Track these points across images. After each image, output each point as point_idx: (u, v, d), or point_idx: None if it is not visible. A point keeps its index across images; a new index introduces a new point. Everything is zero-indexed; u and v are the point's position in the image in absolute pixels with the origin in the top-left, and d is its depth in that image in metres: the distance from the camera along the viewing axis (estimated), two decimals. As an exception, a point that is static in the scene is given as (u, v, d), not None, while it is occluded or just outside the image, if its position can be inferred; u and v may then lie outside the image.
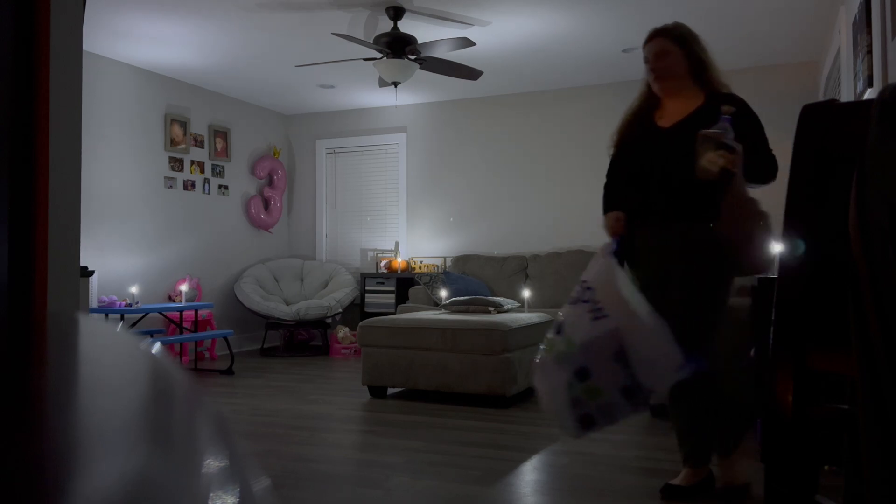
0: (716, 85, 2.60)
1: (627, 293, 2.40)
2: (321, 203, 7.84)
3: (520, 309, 5.33)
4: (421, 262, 7.22)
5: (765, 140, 2.53)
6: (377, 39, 4.80)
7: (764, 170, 2.49)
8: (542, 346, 2.42)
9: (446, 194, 7.27)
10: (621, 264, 2.55)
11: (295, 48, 5.54)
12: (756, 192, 2.49)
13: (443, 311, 5.20)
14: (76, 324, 0.59)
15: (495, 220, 7.06)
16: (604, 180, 2.85)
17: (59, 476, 0.21)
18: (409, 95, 6.98)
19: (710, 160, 2.33)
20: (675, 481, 2.62)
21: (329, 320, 6.95)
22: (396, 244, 7.34)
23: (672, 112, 2.62)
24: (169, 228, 6.40)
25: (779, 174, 2.41)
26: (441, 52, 4.88)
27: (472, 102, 7.16)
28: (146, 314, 5.57)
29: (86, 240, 4.54)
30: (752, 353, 3.17)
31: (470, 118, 7.18)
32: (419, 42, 4.83)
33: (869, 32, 3.23)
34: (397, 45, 4.79)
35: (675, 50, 2.61)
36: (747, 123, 2.47)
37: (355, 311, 7.07)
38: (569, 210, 6.66)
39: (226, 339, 5.96)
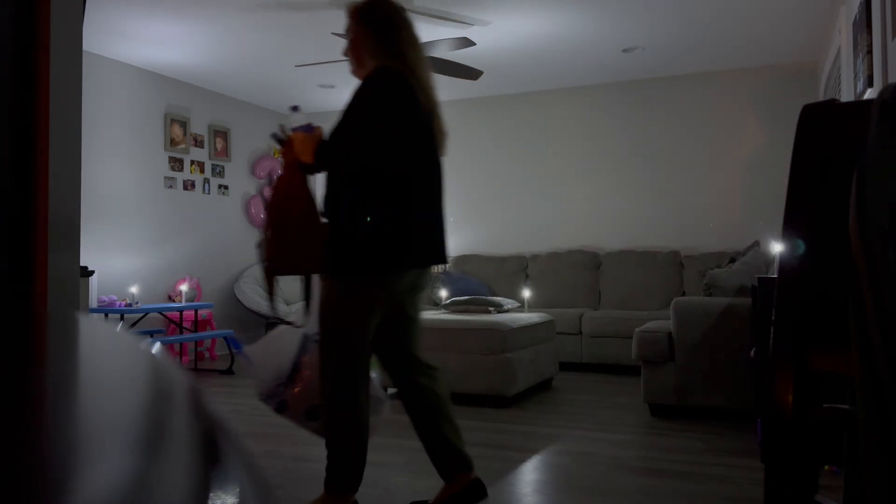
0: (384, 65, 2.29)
1: None
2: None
3: (520, 309, 5.33)
4: (421, 262, 7.22)
5: (342, 122, 2.36)
6: (377, 39, 4.80)
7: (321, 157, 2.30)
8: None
9: (446, 194, 7.27)
10: None
11: (295, 48, 5.54)
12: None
13: (443, 310, 5.20)
14: (76, 324, 0.59)
15: (495, 220, 7.06)
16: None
17: (59, 476, 0.21)
18: (409, 95, 6.97)
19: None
20: None
21: (329, 320, 6.94)
22: (396, 244, 7.34)
23: None
24: (169, 228, 6.39)
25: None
26: (441, 52, 4.88)
27: (472, 102, 7.16)
28: (146, 314, 5.58)
29: (86, 240, 4.53)
30: (753, 352, 3.17)
31: (470, 118, 7.18)
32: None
33: (869, 32, 3.23)
34: (397, 45, 4.79)
35: (352, 29, 2.37)
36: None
37: (355, 311, 7.07)
38: (569, 210, 6.65)
39: (225, 339, 5.97)
